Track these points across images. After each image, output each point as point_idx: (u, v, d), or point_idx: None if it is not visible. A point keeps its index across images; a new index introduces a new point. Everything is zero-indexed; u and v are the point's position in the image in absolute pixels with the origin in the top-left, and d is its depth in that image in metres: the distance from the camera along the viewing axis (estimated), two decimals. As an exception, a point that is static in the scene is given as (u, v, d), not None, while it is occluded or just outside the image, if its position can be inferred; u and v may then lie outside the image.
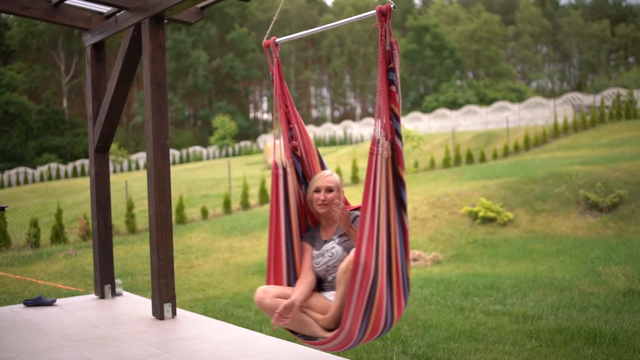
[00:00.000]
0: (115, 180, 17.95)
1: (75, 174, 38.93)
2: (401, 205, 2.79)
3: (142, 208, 14.37)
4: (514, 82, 60.12)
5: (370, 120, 41.74)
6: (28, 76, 52.20)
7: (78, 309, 5.00)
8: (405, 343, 4.35)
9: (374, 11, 2.65)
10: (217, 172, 25.36)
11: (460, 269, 8.31)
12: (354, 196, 11.81)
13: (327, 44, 62.50)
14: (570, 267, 7.78)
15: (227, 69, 56.03)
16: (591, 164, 13.33)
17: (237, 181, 18.51)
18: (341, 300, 2.85)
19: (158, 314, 4.60)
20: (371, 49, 62.10)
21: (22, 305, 5.21)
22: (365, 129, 40.34)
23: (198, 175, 24.46)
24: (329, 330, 2.95)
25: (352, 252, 2.76)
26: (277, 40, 3.31)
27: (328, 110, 69.29)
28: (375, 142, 2.67)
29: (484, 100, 47.29)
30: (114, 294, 5.51)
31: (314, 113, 68.05)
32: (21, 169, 38.42)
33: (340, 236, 3.16)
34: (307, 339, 3.01)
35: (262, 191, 15.26)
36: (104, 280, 5.47)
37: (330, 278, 3.15)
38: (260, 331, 4.74)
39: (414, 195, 12.57)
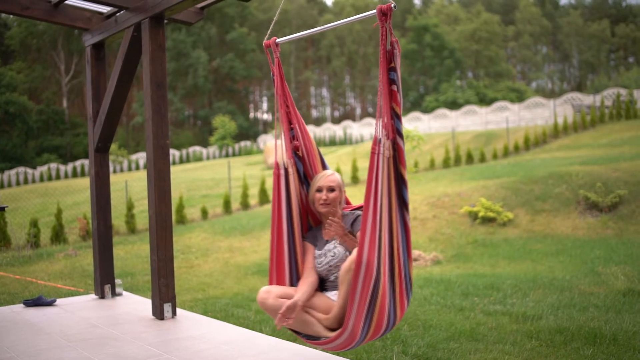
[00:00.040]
0: (115, 180, 17.95)
1: (75, 174, 38.94)
2: (403, 204, 2.79)
3: (142, 208, 14.37)
4: (514, 82, 60.12)
5: (370, 120, 41.75)
6: (28, 76, 52.21)
7: (78, 309, 5.00)
8: (405, 343, 4.35)
9: (375, 11, 2.65)
10: (217, 172, 25.36)
11: (460, 269, 8.31)
12: (354, 196, 11.80)
13: (327, 44, 62.50)
14: (570, 267, 7.78)
15: (227, 69, 56.04)
16: (591, 164, 13.34)
17: (237, 181, 18.51)
18: (344, 299, 2.86)
19: (158, 314, 4.60)
20: (371, 49, 62.10)
21: (22, 305, 5.21)
22: (365, 129, 40.35)
23: (198, 175, 24.47)
24: (332, 329, 2.95)
25: (355, 251, 2.77)
26: (278, 40, 3.31)
27: (328, 111, 69.31)
28: (376, 141, 2.67)
29: (484, 100, 47.29)
30: (114, 294, 5.51)
31: (314, 113, 68.08)
32: (21, 169, 38.43)
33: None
34: (310, 338, 3.01)
35: (262, 191, 15.26)
36: (104, 280, 5.47)
37: (332, 278, 3.15)
38: (260, 331, 4.74)
39: (414, 195, 12.57)
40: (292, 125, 3.33)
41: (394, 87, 2.72)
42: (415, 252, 9.12)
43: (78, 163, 40.45)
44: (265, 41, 3.33)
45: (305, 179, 3.36)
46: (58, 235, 12.03)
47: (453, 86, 52.29)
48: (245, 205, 14.94)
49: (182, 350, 3.71)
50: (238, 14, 59.14)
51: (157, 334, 4.12)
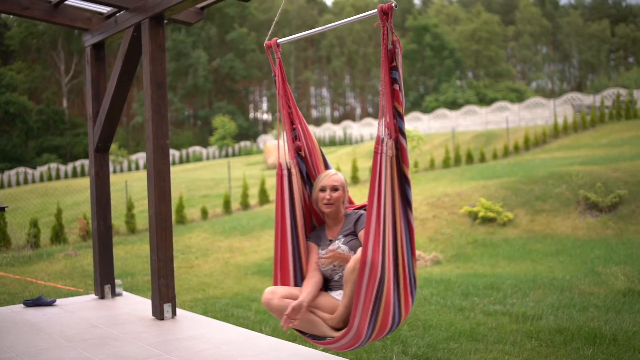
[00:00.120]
0: (115, 180, 17.94)
1: (75, 174, 38.95)
2: (406, 203, 2.80)
3: (142, 208, 14.37)
4: (514, 82, 60.12)
5: (370, 120, 41.76)
6: (28, 76, 52.21)
7: (78, 309, 5.00)
8: (405, 343, 4.35)
9: (375, 10, 2.65)
10: (217, 172, 25.36)
11: (460, 269, 8.31)
12: (354, 196, 11.77)
13: (326, 44, 62.51)
14: (570, 267, 7.78)
15: (227, 69, 56.04)
16: (591, 164, 13.34)
17: (237, 181, 18.52)
18: (349, 299, 2.86)
19: (158, 314, 4.60)
20: (371, 49, 62.10)
21: (22, 305, 5.21)
22: (365, 129, 40.35)
23: (198, 176, 24.47)
24: (337, 329, 2.96)
25: (359, 251, 2.77)
26: (279, 41, 3.31)
27: (328, 111, 69.31)
28: (379, 140, 2.68)
29: (484, 101, 47.29)
30: (114, 294, 5.51)
31: (314, 113, 68.08)
32: (21, 169, 38.43)
33: (345, 235, 3.17)
34: (316, 338, 3.01)
35: (262, 191, 15.26)
36: (104, 281, 5.47)
37: (336, 277, 3.15)
38: (260, 331, 4.74)
39: (414, 195, 12.56)
40: (294, 126, 3.33)
41: (396, 86, 2.72)
42: (415, 252, 9.11)
43: (78, 163, 40.46)
44: (266, 42, 3.33)
45: (308, 179, 3.37)
46: (58, 235, 12.03)
47: (453, 86, 52.29)
48: (245, 205, 14.94)
49: (182, 350, 3.71)
50: (238, 14, 59.15)
51: (157, 334, 4.12)
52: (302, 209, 3.27)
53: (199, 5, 4.96)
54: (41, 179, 37.56)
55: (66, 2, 5.10)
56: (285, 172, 3.24)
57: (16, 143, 47.28)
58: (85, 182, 22.54)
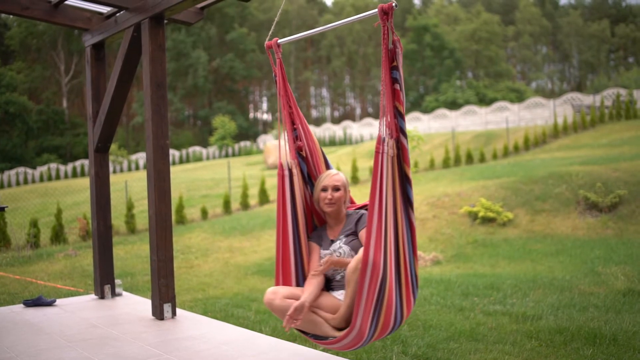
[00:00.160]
0: (115, 180, 17.95)
1: (75, 174, 38.94)
2: (408, 202, 2.80)
3: (142, 208, 14.37)
4: (514, 82, 60.12)
5: (370, 120, 41.77)
6: (28, 76, 52.21)
7: (78, 309, 5.00)
8: (405, 343, 4.35)
9: (376, 10, 2.65)
10: (217, 172, 25.36)
11: (460, 269, 8.31)
12: (354, 196, 11.77)
13: (326, 44, 62.51)
14: (570, 267, 7.78)
15: (227, 69, 56.04)
16: (591, 164, 13.34)
17: (237, 181, 18.51)
18: (351, 299, 2.87)
19: (158, 314, 4.60)
20: (371, 49, 62.11)
21: (22, 305, 5.21)
22: (365, 129, 40.35)
23: (198, 176, 24.47)
24: (340, 329, 2.96)
25: (361, 251, 2.78)
26: (280, 41, 3.31)
27: (328, 111, 69.31)
28: (380, 140, 2.68)
29: (484, 101, 47.30)
30: (114, 294, 5.51)
31: (314, 113, 68.08)
32: (21, 169, 38.42)
33: (346, 235, 3.17)
34: (318, 338, 3.02)
35: (262, 191, 15.26)
36: (104, 281, 5.47)
37: (338, 277, 3.15)
38: (260, 331, 4.74)
39: (414, 195, 12.55)
40: (295, 126, 3.33)
41: (397, 86, 2.73)
42: (415, 252, 9.11)
43: (78, 163, 40.46)
44: (266, 42, 3.33)
45: (309, 179, 3.37)
46: (58, 236, 12.03)
47: (453, 86, 52.30)
48: (245, 206, 14.94)
49: (182, 350, 3.71)
50: (238, 14, 59.15)
51: (157, 334, 4.12)
52: (303, 209, 3.27)
53: (199, 5, 4.96)
54: (41, 179, 37.56)
55: (66, 2, 5.10)
56: (286, 172, 3.24)
57: (16, 143, 47.29)
58: (85, 182, 22.54)
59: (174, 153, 41.61)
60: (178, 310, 4.80)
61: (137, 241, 11.71)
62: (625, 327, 4.63)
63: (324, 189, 3.20)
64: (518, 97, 49.09)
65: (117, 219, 13.40)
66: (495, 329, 4.77)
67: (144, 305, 5.09)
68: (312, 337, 3.05)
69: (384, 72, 2.69)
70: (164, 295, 4.60)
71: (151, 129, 4.64)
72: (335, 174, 3.25)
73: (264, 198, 15.22)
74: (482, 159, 19.87)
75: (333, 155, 26.79)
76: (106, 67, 5.68)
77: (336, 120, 62.70)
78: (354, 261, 2.83)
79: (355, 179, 16.61)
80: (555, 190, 11.72)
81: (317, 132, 43.01)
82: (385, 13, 2.62)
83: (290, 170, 3.25)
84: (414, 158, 18.05)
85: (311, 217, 3.38)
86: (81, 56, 51.05)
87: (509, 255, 8.98)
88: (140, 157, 40.67)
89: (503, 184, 12.44)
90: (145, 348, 3.77)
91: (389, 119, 2.72)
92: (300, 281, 3.21)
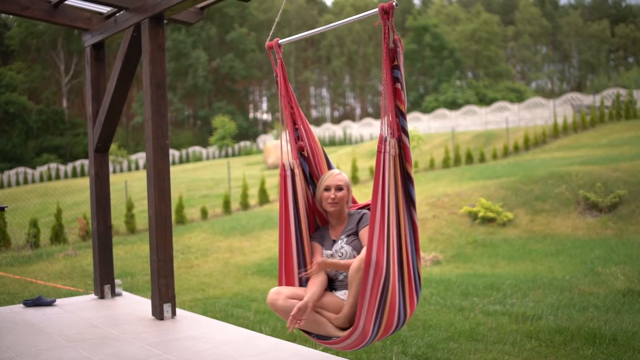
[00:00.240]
0: (115, 180, 17.95)
1: (75, 174, 38.93)
2: (410, 202, 2.81)
3: (141, 208, 14.37)
4: (514, 82, 60.13)
5: (370, 120, 41.78)
6: (28, 76, 52.20)
7: (78, 309, 5.00)
8: (405, 343, 4.35)
9: (376, 10, 2.65)
10: (217, 172, 25.36)
11: (460, 269, 8.31)
12: (354, 196, 11.78)
13: (326, 44, 62.51)
14: (570, 267, 7.78)
15: (226, 69, 56.03)
16: (591, 164, 13.34)
17: (237, 181, 18.51)
18: (354, 298, 2.87)
19: (158, 314, 4.60)
20: (371, 49, 62.11)
21: (21, 305, 5.21)
22: (365, 129, 40.35)
23: (198, 176, 24.46)
24: (343, 329, 2.96)
25: (364, 250, 2.78)
26: (280, 41, 3.31)
27: (328, 111, 69.31)
28: (382, 139, 2.68)
29: (484, 101, 47.29)
30: (114, 294, 5.51)
31: (314, 113, 68.08)
32: (21, 169, 38.41)
33: (348, 236, 3.17)
34: (321, 338, 3.02)
35: (262, 191, 15.26)
36: (104, 281, 5.47)
37: (341, 277, 3.15)
38: (260, 331, 4.74)
39: (413, 195, 12.55)
40: (296, 126, 3.34)
41: (398, 85, 2.73)
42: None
43: (78, 163, 40.45)
44: (267, 42, 3.33)
45: (311, 179, 3.37)
46: (58, 236, 12.03)
47: (453, 86, 52.30)
48: (245, 206, 14.94)
49: (182, 350, 3.71)
50: (238, 14, 59.14)
51: (156, 334, 4.12)
52: (305, 209, 3.28)
53: (199, 5, 4.96)
54: (41, 179, 37.55)
55: (66, 2, 5.10)
56: (288, 173, 3.24)
57: (16, 143, 47.27)
58: (85, 182, 22.55)
59: (173, 153, 41.60)
60: (178, 310, 4.80)
61: (137, 241, 11.71)
62: (625, 327, 4.63)
63: (327, 189, 3.20)
64: (518, 97, 49.09)
65: (117, 219, 13.40)
66: (495, 329, 4.77)
67: (144, 305, 5.09)
68: (315, 337, 3.05)
69: (385, 71, 2.69)
70: (163, 295, 4.60)
71: (151, 129, 4.64)
72: (338, 173, 3.25)
73: (263, 198, 15.22)
74: (482, 159, 19.87)
75: (333, 155, 26.79)
76: (106, 67, 5.68)
77: (336, 120, 62.71)
78: (357, 261, 2.84)
79: (355, 179, 16.61)
80: (555, 190, 11.72)
81: (317, 132, 43.00)
82: (386, 12, 2.62)
83: (292, 171, 3.25)
84: (414, 158, 18.03)
85: (313, 217, 3.38)
86: (81, 56, 51.04)
87: (509, 255, 8.98)
88: (140, 157, 40.66)
89: (503, 184, 12.45)
90: (145, 348, 3.77)
91: (390, 118, 2.73)
92: (303, 281, 3.21)
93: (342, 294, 3.10)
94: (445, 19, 63.13)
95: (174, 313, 4.64)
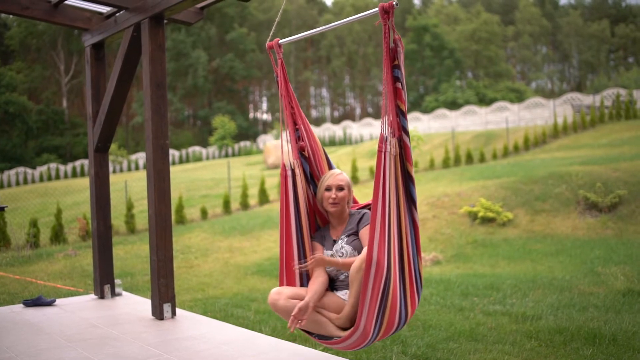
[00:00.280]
0: (115, 180, 17.95)
1: (74, 174, 38.93)
2: (411, 201, 2.80)
3: (141, 208, 14.37)
4: (514, 82, 60.13)
5: (370, 120, 41.78)
6: (28, 76, 52.20)
7: (78, 309, 5.00)
8: (405, 343, 4.35)
9: (376, 9, 2.65)
10: (217, 172, 25.36)
11: (460, 269, 8.31)
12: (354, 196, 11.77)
13: (326, 44, 62.51)
14: (570, 267, 7.78)
15: (226, 69, 56.03)
16: (591, 164, 13.34)
17: (237, 181, 18.51)
18: (355, 298, 2.87)
19: (158, 314, 4.60)
20: (371, 49, 62.11)
21: (21, 305, 5.21)
22: (365, 129, 40.35)
23: (198, 176, 24.46)
24: (344, 329, 2.96)
25: (365, 250, 2.78)
26: (280, 41, 3.31)
27: (328, 111, 69.32)
28: (383, 139, 2.68)
29: (484, 101, 47.29)
30: (114, 294, 5.51)
31: (314, 113, 68.08)
32: (21, 169, 38.41)
33: (348, 236, 3.17)
34: (323, 338, 3.01)
35: (262, 191, 15.26)
36: (104, 281, 5.47)
37: (342, 277, 3.15)
38: (260, 331, 4.74)
39: (413, 195, 12.54)
40: (297, 126, 3.34)
41: (399, 85, 2.73)
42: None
43: (78, 163, 40.44)
44: (268, 42, 3.33)
45: (311, 179, 3.37)
46: (58, 235, 12.03)
47: (453, 86, 52.30)
48: (244, 206, 14.94)
49: (182, 350, 3.71)
50: (238, 14, 59.14)
51: (156, 334, 4.12)
52: (306, 209, 3.28)
53: (199, 5, 4.96)
54: (41, 179, 37.55)
55: (66, 2, 5.10)
56: (289, 173, 3.24)
57: (16, 143, 47.27)
58: (85, 182, 22.55)
59: (173, 153, 41.60)
60: (178, 310, 4.80)
61: (136, 241, 11.71)
62: (625, 327, 4.63)
63: (328, 189, 3.20)
64: (518, 97, 49.09)
65: (117, 219, 13.40)
66: (494, 329, 4.77)
67: (144, 305, 5.09)
68: (316, 337, 3.05)
69: (385, 70, 2.69)
70: (163, 295, 4.60)
71: (151, 128, 4.64)
72: (338, 173, 3.25)
73: (263, 198, 15.22)
74: (482, 159, 19.87)
75: (333, 155, 26.79)
76: (106, 67, 5.68)
77: (336, 120, 62.71)
78: (358, 260, 2.84)
79: (355, 179, 16.61)
80: (555, 190, 11.72)
81: (317, 132, 43.00)
82: (386, 12, 2.62)
83: (292, 171, 3.25)
84: (414, 158, 18.01)
85: (314, 217, 3.38)
86: (81, 56, 51.03)
87: (509, 255, 8.98)
88: (140, 157, 40.65)
89: (503, 184, 12.45)
90: (145, 348, 3.77)
91: (391, 118, 2.72)
92: (304, 281, 3.21)
93: (343, 294, 3.10)
94: (445, 19, 63.13)
95: (174, 313, 4.64)
